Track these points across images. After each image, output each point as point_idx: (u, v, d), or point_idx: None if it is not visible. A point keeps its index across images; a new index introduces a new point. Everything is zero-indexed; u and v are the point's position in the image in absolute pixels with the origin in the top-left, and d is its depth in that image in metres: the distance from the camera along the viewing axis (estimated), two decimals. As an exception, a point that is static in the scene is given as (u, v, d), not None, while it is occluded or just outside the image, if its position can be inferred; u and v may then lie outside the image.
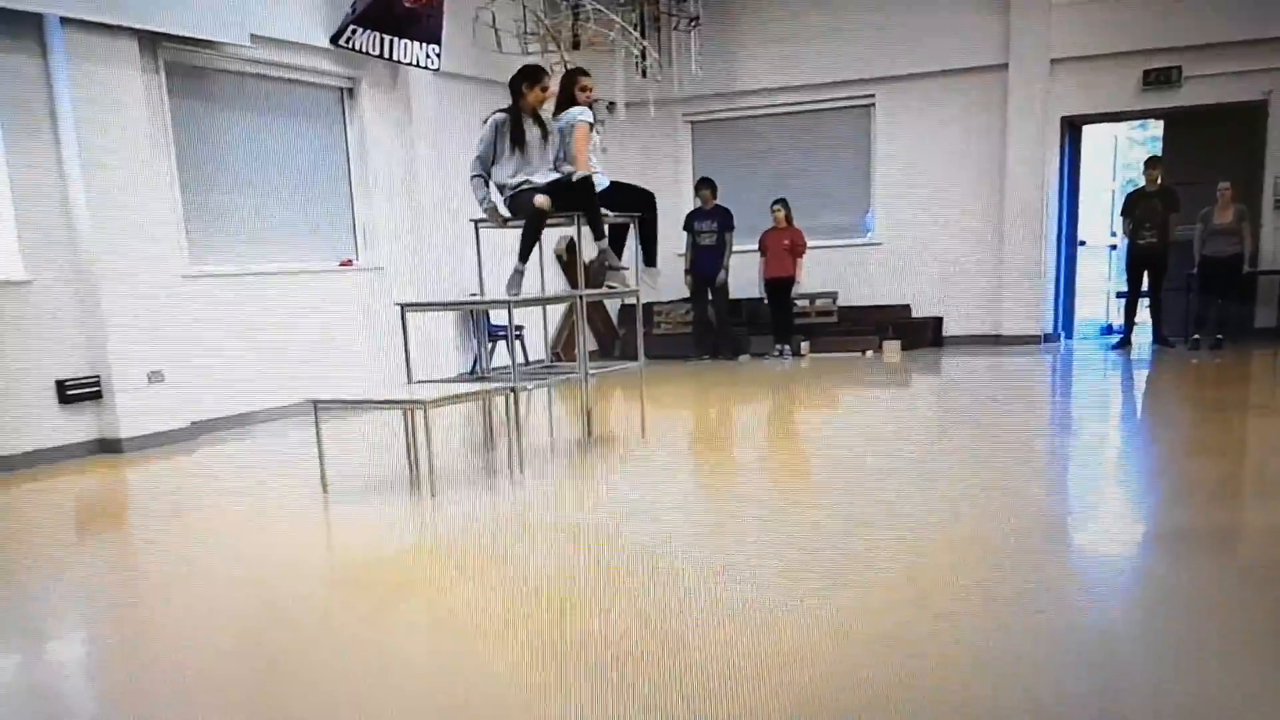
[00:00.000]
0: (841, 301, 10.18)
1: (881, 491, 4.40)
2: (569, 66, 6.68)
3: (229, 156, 6.92)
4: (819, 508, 4.22)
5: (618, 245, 5.52)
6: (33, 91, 5.73)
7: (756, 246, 9.74)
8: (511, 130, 5.20)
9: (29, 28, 5.65)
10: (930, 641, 2.61)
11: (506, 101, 5.32)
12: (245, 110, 7.04)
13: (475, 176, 5.30)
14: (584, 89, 5.49)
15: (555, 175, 5.32)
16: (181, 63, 6.52)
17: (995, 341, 9.82)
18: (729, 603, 2.97)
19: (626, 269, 5.60)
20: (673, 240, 9.79)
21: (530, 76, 5.27)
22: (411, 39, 7.72)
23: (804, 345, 9.78)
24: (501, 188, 5.30)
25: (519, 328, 7.78)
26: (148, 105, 6.24)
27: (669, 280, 9.94)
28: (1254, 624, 2.66)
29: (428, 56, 7.88)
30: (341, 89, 7.75)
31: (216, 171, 6.84)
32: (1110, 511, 4.09)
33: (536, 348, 8.36)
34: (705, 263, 9.69)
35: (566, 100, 5.51)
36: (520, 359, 7.75)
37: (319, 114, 7.63)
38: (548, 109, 5.45)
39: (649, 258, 5.60)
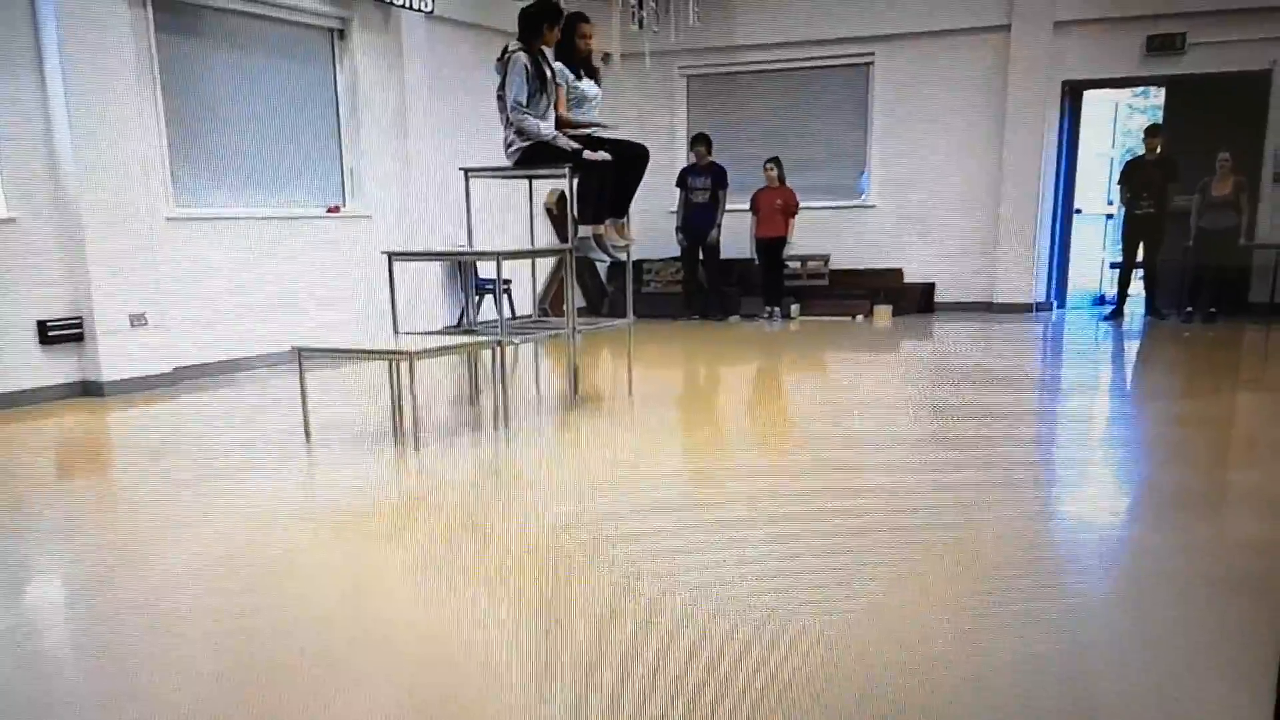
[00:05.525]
0: (833, 264, 10.11)
1: (861, 458, 4.40)
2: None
3: (216, 97, 6.78)
4: (799, 473, 4.21)
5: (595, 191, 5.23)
6: (18, 24, 5.59)
7: (748, 206, 9.63)
8: (537, 71, 4.99)
9: (13, -42, 5.51)
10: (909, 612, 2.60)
11: (499, 48, 5.16)
12: (234, 49, 6.88)
13: (516, 109, 4.94)
14: (584, 36, 5.30)
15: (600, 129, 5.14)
16: (170, -2, 6.38)
17: (987, 309, 9.78)
18: (708, 565, 2.96)
19: (632, 242, 5.48)
20: (665, 197, 9.70)
21: (552, 16, 5.07)
22: (404, -22, 7.57)
23: (794, 307, 9.73)
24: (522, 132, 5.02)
25: (506, 281, 7.76)
26: (135, 41, 6.11)
27: (662, 237, 9.87)
28: (1232, 611, 2.66)
29: (420, -2, 7.73)
30: (332, 30, 7.58)
31: (203, 112, 6.71)
32: (1090, 492, 4.09)
33: (524, 302, 8.30)
34: (698, 220, 9.58)
35: (567, 47, 5.34)
36: (507, 313, 7.70)
37: (308, 55, 7.47)
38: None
39: (619, 209, 5.32)
